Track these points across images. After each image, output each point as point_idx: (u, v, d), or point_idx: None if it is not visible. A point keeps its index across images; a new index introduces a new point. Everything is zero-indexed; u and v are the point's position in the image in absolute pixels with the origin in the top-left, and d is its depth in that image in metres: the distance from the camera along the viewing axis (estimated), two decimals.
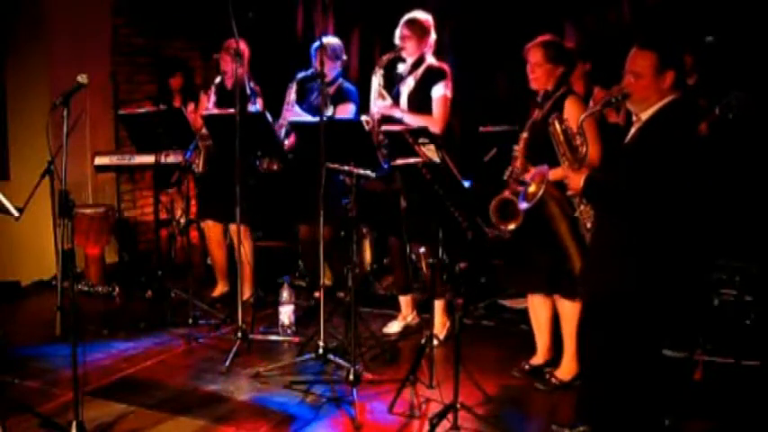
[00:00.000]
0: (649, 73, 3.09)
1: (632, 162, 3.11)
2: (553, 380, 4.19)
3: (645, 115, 3.14)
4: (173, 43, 7.15)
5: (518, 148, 4.05)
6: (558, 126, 3.36)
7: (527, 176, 3.88)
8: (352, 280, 4.36)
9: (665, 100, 3.11)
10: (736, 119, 4.56)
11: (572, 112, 3.86)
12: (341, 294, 5.42)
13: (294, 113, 5.18)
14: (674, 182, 3.02)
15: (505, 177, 4.08)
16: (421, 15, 4.85)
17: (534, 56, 4.11)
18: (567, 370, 4.19)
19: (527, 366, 4.36)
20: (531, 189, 3.63)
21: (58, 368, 4.37)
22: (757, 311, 4.80)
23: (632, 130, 3.21)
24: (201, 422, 3.84)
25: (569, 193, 3.45)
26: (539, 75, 4.11)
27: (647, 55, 3.11)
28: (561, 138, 3.34)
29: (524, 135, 4.03)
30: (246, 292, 5.52)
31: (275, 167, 5.11)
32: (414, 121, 4.74)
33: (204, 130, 5.13)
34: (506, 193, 3.96)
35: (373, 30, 6.47)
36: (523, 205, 3.66)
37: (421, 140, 3.88)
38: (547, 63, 4.08)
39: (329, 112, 5.10)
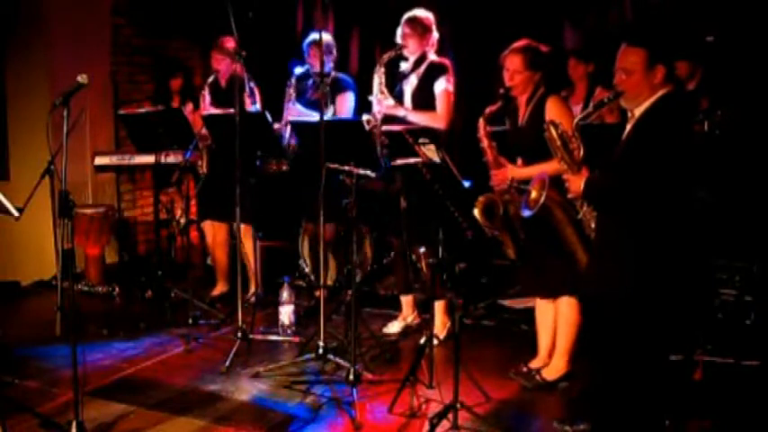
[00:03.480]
0: (640, 69, 3.10)
1: (628, 159, 3.11)
2: (537, 377, 4.18)
3: (638, 111, 3.15)
4: (173, 43, 7.15)
5: (484, 140, 4.05)
6: (554, 132, 3.36)
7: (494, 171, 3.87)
8: (354, 279, 4.35)
9: (658, 94, 3.11)
10: (725, 132, 4.58)
11: (554, 112, 3.84)
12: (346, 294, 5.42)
13: (297, 112, 5.16)
14: (670, 176, 3.02)
15: (493, 186, 4.06)
16: (421, 13, 4.82)
17: (513, 63, 4.00)
18: (555, 369, 4.17)
19: (525, 369, 4.32)
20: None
21: (58, 368, 4.37)
22: (757, 311, 4.80)
23: (627, 128, 3.21)
24: (201, 422, 3.84)
25: (570, 195, 3.44)
26: (517, 82, 4.00)
27: (637, 51, 3.12)
28: (558, 143, 3.35)
29: (487, 128, 4.03)
30: (251, 290, 5.54)
31: (284, 167, 5.10)
32: (418, 118, 4.73)
33: (204, 131, 5.13)
34: (489, 195, 3.96)
35: (373, 29, 6.47)
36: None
37: (421, 140, 3.88)
38: (526, 70, 3.98)
39: (330, 111, 5.10)
